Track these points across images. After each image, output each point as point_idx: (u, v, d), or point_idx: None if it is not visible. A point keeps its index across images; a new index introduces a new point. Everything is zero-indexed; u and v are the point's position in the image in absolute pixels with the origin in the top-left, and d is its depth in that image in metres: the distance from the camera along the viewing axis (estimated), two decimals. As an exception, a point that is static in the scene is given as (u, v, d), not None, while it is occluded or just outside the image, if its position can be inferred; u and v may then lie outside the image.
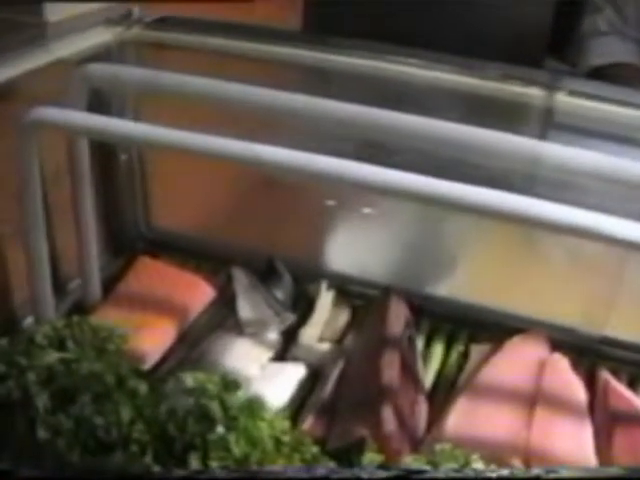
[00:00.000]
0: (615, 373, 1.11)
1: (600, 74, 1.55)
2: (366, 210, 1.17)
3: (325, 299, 1.11)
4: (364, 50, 1.18)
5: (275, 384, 1.01)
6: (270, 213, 1.20)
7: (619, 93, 1.16)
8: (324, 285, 1.13)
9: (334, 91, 1.10)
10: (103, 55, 1.13)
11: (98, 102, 1.09)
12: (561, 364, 1.06)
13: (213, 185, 1.18)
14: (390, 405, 0.94)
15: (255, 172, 1.12)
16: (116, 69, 1.03)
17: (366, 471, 0.78)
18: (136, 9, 1.14)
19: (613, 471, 0.89)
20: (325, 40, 1.25)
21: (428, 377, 1.07)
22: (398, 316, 1.06)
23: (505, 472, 0.82)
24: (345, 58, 1.18)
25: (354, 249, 1.20)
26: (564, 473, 0.78)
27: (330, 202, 1.18)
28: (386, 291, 1.11)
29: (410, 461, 0.89)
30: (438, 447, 0.92)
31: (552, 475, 0.78)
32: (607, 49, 1.53)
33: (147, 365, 1.05)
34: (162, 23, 1.20)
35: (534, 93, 1.08)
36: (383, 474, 0.77)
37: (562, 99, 1.12)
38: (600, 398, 1.06)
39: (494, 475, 0.82)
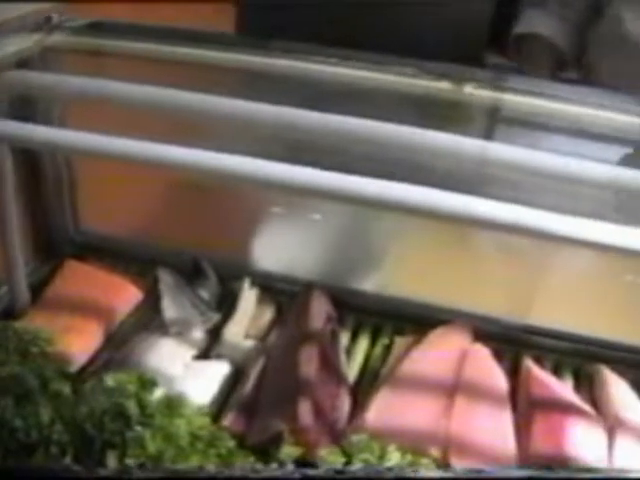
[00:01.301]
0: (539, 361, 1.15)
1: (518, 43, 1.60)
2: (292, 209, 1.21)
3: (248, 297, 1.15)
4: (299, 53, 1.21)
5: (199, 382, 1.04)
6: (198, 215, 1.23)
7: (558, 89, 1.21)
8: (247, 283, 1.17)
9: (268, 94, 1.13)
10: (26, 62, 1.16)
11: (24, 108, 1.12)
12: (482, 354, 1.10)
13: (142, 188, 1.21)
14: (307, 399, 0.98)
15: (182, 175, 1.16)
16: (32, 76, 1.06)
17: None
18: (55, 15, 1.16)
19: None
20: (258, 43, 1.28)
21: (353, 371, 1.11)
22: (319, 311, 1.10)
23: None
24: (279, 61, 1.21)
25: (281, 248, 1.24)
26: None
27: (256, 203, 1.22)
28: (308, 287, 1.14)
29: (325, 453, 0.93)
30: (354, 438, 0.96)
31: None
32: (528, 20, 1.58)
33: (74, 367, 1.08)
34: (89, 28, 1.22)
35: (471, 91, 1.11)
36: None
37: (501, 97, 1.17)
38: (522, 386, 1.10)
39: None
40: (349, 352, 1.13)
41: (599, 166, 1.07)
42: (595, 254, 1.12)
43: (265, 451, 0.95)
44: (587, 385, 1.15)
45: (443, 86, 1.06)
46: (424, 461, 0.95)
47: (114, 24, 1.24)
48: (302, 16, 1.60)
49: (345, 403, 1.04)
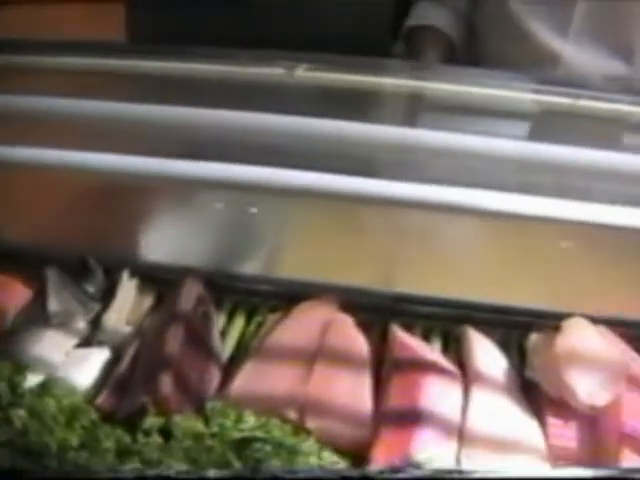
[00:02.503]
0: (409, 328, 1.28)
1: (411, 36, 1.73)
2: (174, 202, 1.34)
3: (127, 287, 1.28)
4: (196, 55, 1.35)
5: (79, 367, 1.17)
6: (89, 214, 1.35)
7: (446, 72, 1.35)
8: (126, 274, 1.30)
9: (165, 97, 1.28)
10: None
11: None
12: (344, 322, 1.23)
13: (33, 192, 1.34)
14: (170, 372, 1.10)
15: (70, 176, 1.30)
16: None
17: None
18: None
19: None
20: (147, 49, 1.43)
21: (228, 348, 1.23)
22: (190, 294, 1.23)
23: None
24: (173, 64, 1.36)
25: (166, 240, 1.36)
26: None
27: (141, 199, 1.34)
28: (184, 273, 1.28)
29: (180, 419, 1.06)
30: (209, 405, 1.09)
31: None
32: (422, 12, 1.71)
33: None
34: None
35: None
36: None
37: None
38: (389, 350, 1.22)
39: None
40: (226, 332, 1.26)
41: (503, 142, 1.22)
42: (461, 220, 1.26)
43: (131, 423, 1.08)
44: (455, 347, 1.27)
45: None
46: (275, 422, 1.07)
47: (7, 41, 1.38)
48: (189, 17, 1.73)
49: (215, 376, 1.17)
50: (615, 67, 1.67)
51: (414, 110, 1.37)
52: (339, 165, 1.17)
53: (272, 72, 1.25)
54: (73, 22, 1.58)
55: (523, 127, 1.33)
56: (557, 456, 1.11)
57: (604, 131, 1.29)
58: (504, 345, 1.27)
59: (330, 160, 1.18)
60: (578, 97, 1.28)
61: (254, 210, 1.30)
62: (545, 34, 1.67)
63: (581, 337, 1.21)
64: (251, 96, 1.27)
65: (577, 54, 1.66)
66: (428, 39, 1.74)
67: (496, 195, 1.15)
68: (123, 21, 1.64)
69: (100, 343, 1.22)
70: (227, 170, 1.18)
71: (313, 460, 1.05)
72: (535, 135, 1.30)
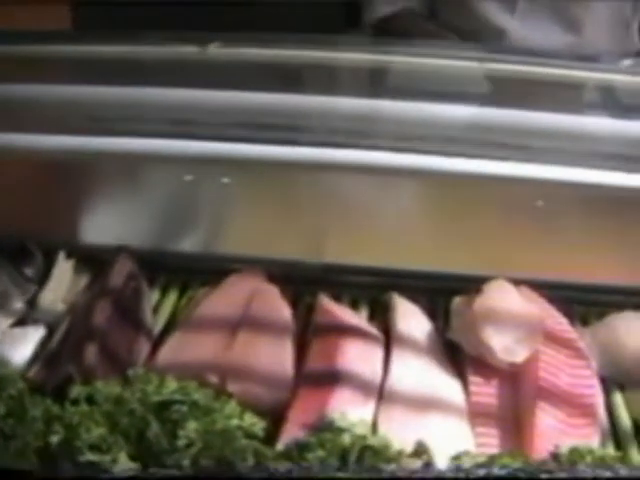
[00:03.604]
0: (338, 297, 1.36)
1: (385, 24, 1.82)
2: (113, 181, 1.43)
3: (63, 267, 1.37)
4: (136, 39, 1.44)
5: (15, 345, 1.26)
6: (29, 198, 1.44)
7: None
8: (62, 255, 1.39)
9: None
10: None
11: None
12: (269, 292, 1.31)
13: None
14: (96, 343, 1.19)
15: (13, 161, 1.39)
16: None
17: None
18: None
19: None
20: (92, 35, 1.52)
21: (160, 321, 1.32)
22: (121, 271, 1.31)
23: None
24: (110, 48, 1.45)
25: (101, 221, 1.45)
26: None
27: (80, 180, 1.43)
28: (117, 251, 1.37)
29: (101, 385, 1.14)
30: (131, 372, 1.17)
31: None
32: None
33: None
34: None
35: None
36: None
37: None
38: (315, 318, 1.31)
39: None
40: (159, 307, 1.35)
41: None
42: (386, 189, 1.34)
43: (61, 393, 1.16)
44: (382, 314, 1.35)
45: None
46: (194, 385, 1.15)
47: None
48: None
49: (144, 348, 1.25)
50: (563, 40, 1.76)
51: (347, 79, 1.45)
52: (266, 135, 1.24)
53: (187, 50, 1.33)
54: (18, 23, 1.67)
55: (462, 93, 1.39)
56: (477, 413, 1.18)
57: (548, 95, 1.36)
58: (431, 310, 1.35)
59: (257, 131, 1.26)
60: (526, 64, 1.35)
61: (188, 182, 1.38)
62: (491, 10, 1.75)
63: (500, 297, 1.28)
64: (186, 72, 1.35)
65: (523, 29, 1.74)
66: (408, 22, 1.82)
67: (421, 159, 1.21)
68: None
69: (35, 321, 1.31)
70: (160, 146, 1.25)
71: (234, 422, 1.11)
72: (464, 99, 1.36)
